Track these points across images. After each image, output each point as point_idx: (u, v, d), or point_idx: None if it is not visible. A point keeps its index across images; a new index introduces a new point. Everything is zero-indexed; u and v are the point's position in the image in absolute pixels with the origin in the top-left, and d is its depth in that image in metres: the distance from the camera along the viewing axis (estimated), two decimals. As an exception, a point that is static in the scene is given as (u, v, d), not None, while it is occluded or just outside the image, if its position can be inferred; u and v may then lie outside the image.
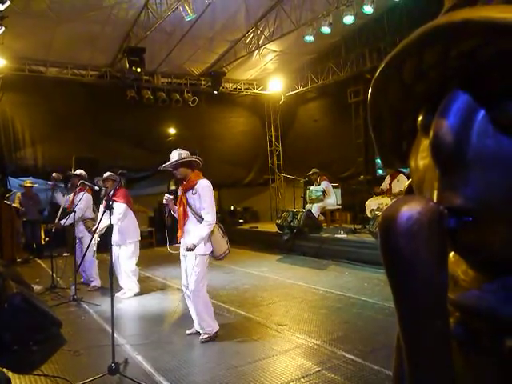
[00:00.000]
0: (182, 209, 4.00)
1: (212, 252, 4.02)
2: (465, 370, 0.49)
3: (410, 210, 0.40)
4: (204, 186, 3.96)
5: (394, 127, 0.54)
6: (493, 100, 0.41)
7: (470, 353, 0.49)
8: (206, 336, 4.01)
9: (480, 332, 0.47)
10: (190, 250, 3.87)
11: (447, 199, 0.44)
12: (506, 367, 0.44)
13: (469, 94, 0.43)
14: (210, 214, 3.91)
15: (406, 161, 0.55)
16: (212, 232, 3.97)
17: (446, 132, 0.42)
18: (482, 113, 0.42)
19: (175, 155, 3.96)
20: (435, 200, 0.45)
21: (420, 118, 0.49)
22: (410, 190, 0.56)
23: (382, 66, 0.49)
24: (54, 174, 6.77)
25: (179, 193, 4.10)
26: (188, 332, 4.19)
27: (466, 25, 0.39)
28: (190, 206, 3.95)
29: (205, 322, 4.03)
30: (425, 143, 0.48)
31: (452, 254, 0.54)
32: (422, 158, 0.50)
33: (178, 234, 4.07)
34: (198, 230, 3.93)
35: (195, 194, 3.93)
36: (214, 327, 4.07)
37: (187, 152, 4.04)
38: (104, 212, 3.77)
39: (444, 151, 0.43)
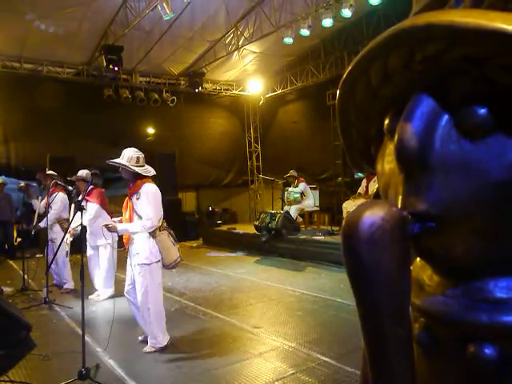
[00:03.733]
0: (128, 214, 3.84)
1: (161, 260, 3.83)
2: (430, 377, 0.49)
3: (373, 216, 0.39)
4: (148, 191, 3.76)
5: (362, 130, 0.54)
6: (456, 105, 0.41)
7: (434, 359, 0.49)
8: (152, 349, 3.84)
9: (444, 338, 0.46)
10: (107, 227, 3.73)
11: (411, 204, 0.44)
12: (470, 373, 0.44)
13: (433, 98, 0.42)
14: (149, 221, 3.69)
15: (374, 164, 0.55)
16: (160, 239, 3.78)
17: (410, 137, 0.42)
18: (445, 117, 0.42)
19: (124, 156, 3.79)
20: (400, 205, 0.45)
21: (386, 122, 0.49)
22: (378, 194, 0.56)
23: (350, 68, 0.48)
24: (21, 184, 6.67)
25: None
26: (140, 339, 4.03)
27: (429, 28, 0.38)
28: (135, 212, 3.80)
29: (152, 335, 3.86)
30: (391, 147, 0.48)
31: (418, 258, 0.54)
32: (387, 163, 0.49)
33: (124, 240, 3.91)
34: (132, 223, 3.76)
35: (138, 198, 3.76)
36: (161, 341, 3.86)
37: (141, 155, 3.84)
38: (75, 212, 3.67)
39: (408, 156, 0.42)
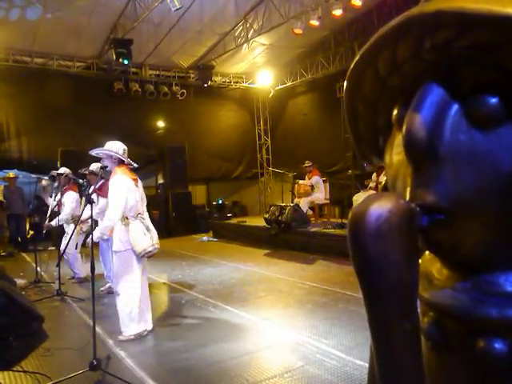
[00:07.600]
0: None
1: (131, 249, 3.86)
2: (438, 371, 0.49)
3: (380, 208, 0.38)
4: (114, 183, 3.86)
5: (370, 121, 0.53)
6: (466, 94, 0.40)
7: (443, 353, 0.48)
8: (122, 338, 3.88)
9: (453, 332, 0.46)
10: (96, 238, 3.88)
11: (420, 196, 0.43)
12: (479, 367, 0.43)
13: (442, 87, 0.41)
14: (110, 211, 3.79)
15: (383, 156, 0.54)
16: (130, 228, 3.82)
17: (419, 127, 0.41)
18: (455, 107, 0.41)
19: (115, 147, 3.99)
20: (408, 197, 0.44)
21: (394, 112, 0.48)
22: (386, 187, 0.55)
23: (357, 58, 0.47)
24: (43, 182, 6.72)
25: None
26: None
27: (439, 15, 0.37)
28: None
29: (122, 323, 3.89)
30: (399, 138, 0.47)
31: (427, 252, 0.53)
32: (396, 154, 0.48)
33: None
34: (100, 224, 3.94)
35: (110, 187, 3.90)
36: (130, 331, 3.87)
37: (126, 148, 4.04)
38: (85, 205, 3.73)
39: (416, 147, 0.41)
